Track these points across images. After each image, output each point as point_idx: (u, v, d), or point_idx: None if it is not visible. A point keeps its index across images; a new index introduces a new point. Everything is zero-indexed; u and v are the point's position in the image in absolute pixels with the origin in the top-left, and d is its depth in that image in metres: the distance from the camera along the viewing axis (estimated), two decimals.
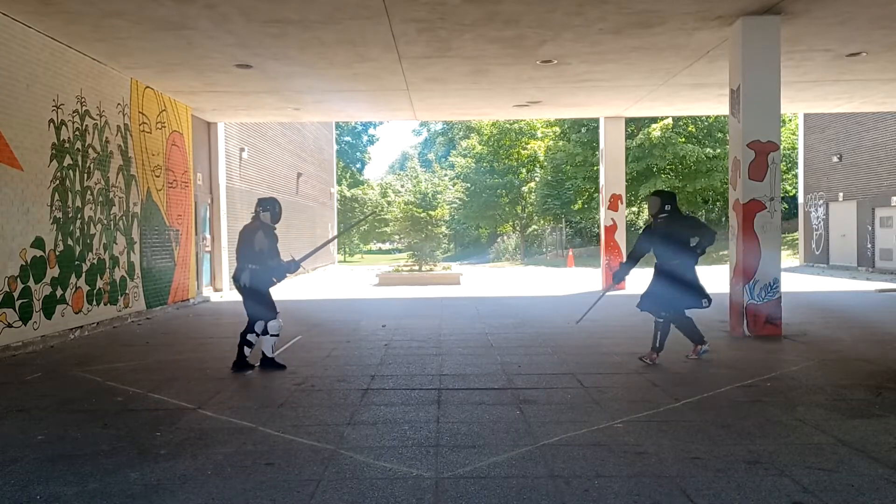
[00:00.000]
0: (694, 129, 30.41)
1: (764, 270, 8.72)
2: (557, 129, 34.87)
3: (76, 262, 9.77)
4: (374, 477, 3.98)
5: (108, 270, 10.65)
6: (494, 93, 12.90)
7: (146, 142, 12.06)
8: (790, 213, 30.40)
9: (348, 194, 44.00)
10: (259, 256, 6.78)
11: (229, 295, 15.81)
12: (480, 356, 7.70)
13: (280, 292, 17.09)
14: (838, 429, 4.79)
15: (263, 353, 7.03)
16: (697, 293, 7.05)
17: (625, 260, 7.16)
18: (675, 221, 7.10)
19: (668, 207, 7.08)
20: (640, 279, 18.96)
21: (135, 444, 4.64)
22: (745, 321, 8.75)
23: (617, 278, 7.42)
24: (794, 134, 31.18)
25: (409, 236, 22.97)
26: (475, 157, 42.34)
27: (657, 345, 7.17)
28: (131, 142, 11.50)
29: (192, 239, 14.08)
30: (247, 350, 7.02)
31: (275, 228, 7.02)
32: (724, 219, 35.58)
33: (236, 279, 6.92)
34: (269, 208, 6.95)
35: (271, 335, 6.95)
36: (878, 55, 10.64)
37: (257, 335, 6.99)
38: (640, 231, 7.26)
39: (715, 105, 14.72)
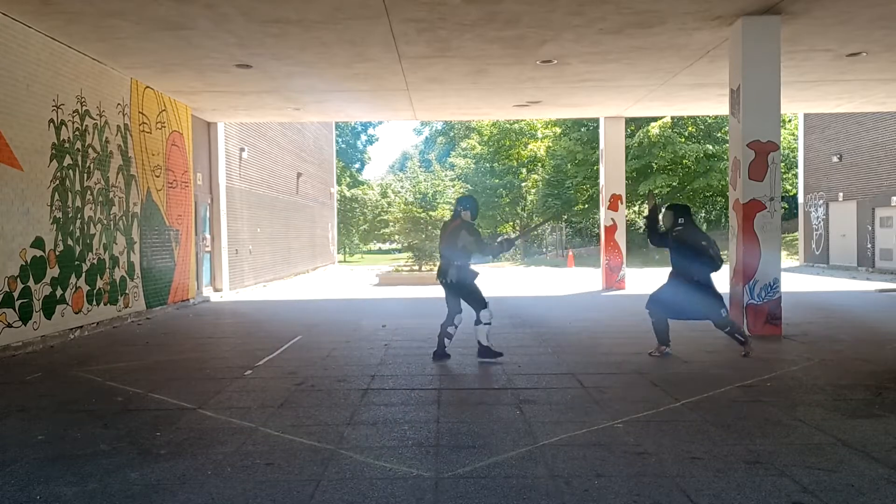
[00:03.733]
0: (693, 130, 30.40)
1: (764, 270, 8.71)
2: (558, 129, 34.85)
3: (76, 262, 9.77)
4: (374, 477, 3.98)
5: (108, 270, 10.65)
6: (494, 93, 12.90)
7: (146, 142, 12.06)
8: (790, 213, 30.39)
9: (348, 194, 43.99)
10: (462, 253, 7.16)
11: (229, 295, 15.82)
12: None
13: (280, 292, 17.12)
14: (838, 429, 4.79)
15: (479, 342, 7.37)
16: (717, 303, 7.27)
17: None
18: (690, 235, 7.26)
19: (681, 220, 7.29)
20: (639, 280, 18.94)
21: (135, 444, 4.64)
22: (745, 321, 8.74)
23: (655, 238, 7.63)
24: (793, 135, 31.17)
25: (409, 237, 22.92)
26: (475, 157, 42.29)
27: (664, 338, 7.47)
28: (131, 142, 11.50)
29: (192, 239, 14.08)
30: (446, 341, 7.43)
31: (474, 224, 7.41)
32: (723, 218, 35.60)
33: (443, 275, 7.29)
34: (468, 207, 7.36)
35: (484, 324, 7.27)
36: (878, 55, 10.64)
37: (455, 327, 7.39)
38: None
39: (715, 105, 14.72)
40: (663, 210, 7.56)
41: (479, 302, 7.27)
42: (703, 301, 7.22)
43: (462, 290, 7.25)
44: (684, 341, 8.28)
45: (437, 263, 7.52)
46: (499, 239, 7.43)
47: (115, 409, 5.60)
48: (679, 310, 7.33)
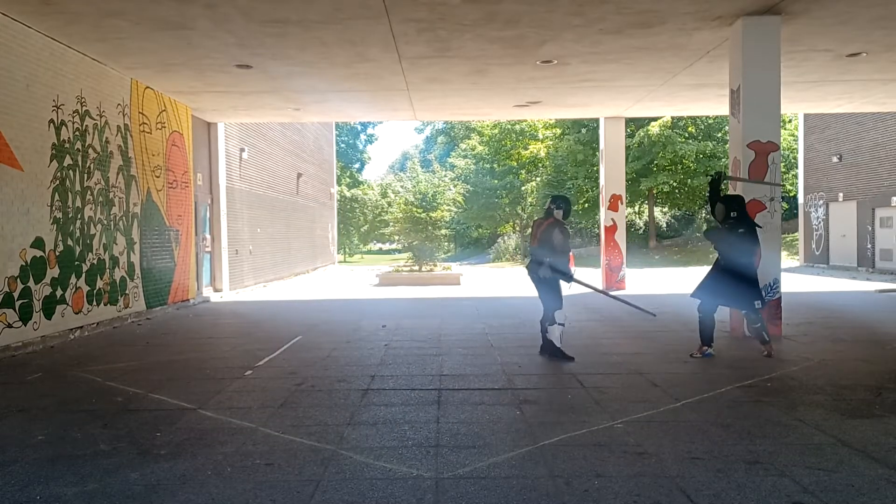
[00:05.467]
0: (693, 130, 30.41)
1: (764, 270, 8.70)
2: (558, 130, 34.84)
3: (76, 263, 9.76)
4: (374, 477, 3.98)
5: (108, 271, 10.64)
6: (494, 93, 12.90)
7: (146, 142, 12.06)
8: (790, 214, 30.38)
9: (348, 194, 44.01)
10: (553, 251, 7.33)
11: (229, 295, 15.82)
12: (480, 356, 7.70)
13: (280, 292, 17.12)
14: (838, 429, 4.79)
15: (551, 342, 7.43)
16: (753, 296, 7.32)
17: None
18: (742, 226, 7.30)
19: (734, 214, 7.33)
20: (639, 280, 18.92)
21: (135, 444, 4.64)
22: (745, 321, 8.73)
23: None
24: (793, 135, 31.17)
25: (409, 237, 22.86)
26: (475, 158, 42.28)
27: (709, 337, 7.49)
28: (131, 142, 11.50)
29: (192, 239, 14.08)
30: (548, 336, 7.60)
31: (566, 224, 7.55)
32: None
33: (534, 271, 7.43)
34: (562, 206, 7.50)
35: (558, 324, 7.37)
36: (878, 55, 10.64)
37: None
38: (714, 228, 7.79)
39: (715, 105, 14.71)
40: (717, 203, 7.57)
41: (556, 301, 7.39)
42: (741, 291, 7.29)
43: (547, 285, 7.40)
44: (684, 341, 8.29)
45: (527, 260, 7.64)
46: (573, 270, 7.68)
47: (115, 409, 5.60)
48: (720, 295, 7.41)
